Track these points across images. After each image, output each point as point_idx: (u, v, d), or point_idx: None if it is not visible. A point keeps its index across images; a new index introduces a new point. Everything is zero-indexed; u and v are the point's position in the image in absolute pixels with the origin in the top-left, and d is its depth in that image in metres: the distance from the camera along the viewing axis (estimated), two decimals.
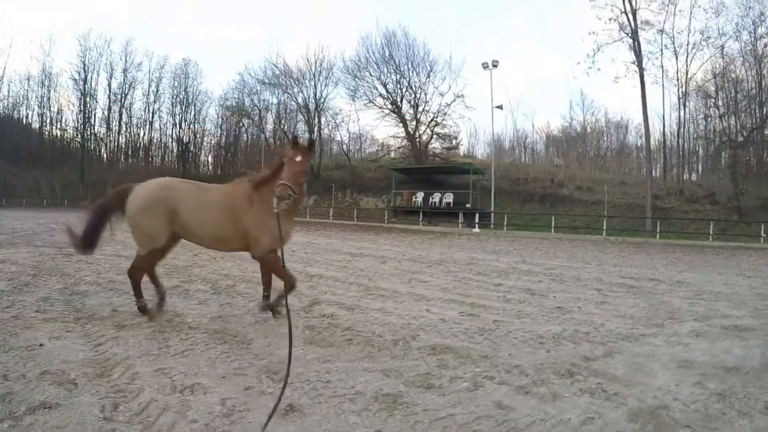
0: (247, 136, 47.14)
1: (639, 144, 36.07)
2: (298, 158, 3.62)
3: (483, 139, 49.94)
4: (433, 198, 27.09)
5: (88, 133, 47.59)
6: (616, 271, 8.54)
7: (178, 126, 49.14)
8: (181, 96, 48.73)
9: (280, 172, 3.67)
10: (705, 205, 26.32)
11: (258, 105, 42.45)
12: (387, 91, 35.91)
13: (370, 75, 36.13)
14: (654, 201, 25.62)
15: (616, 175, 34.09)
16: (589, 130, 42.29)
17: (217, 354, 3.01)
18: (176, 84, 48.65)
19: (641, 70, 27.64)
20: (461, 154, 40.47)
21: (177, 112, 49.06)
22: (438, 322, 4.12)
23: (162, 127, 49.82)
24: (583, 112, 42.94)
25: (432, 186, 28.69)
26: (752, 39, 28.52)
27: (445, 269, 7.65)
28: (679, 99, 31.89)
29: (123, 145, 49.98)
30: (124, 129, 49.13)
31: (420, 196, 27.42)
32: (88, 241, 3.95)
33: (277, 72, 39.82)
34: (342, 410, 2.33)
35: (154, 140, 50.05)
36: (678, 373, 3.11)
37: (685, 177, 33.67)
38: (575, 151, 40.68)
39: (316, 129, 39.71)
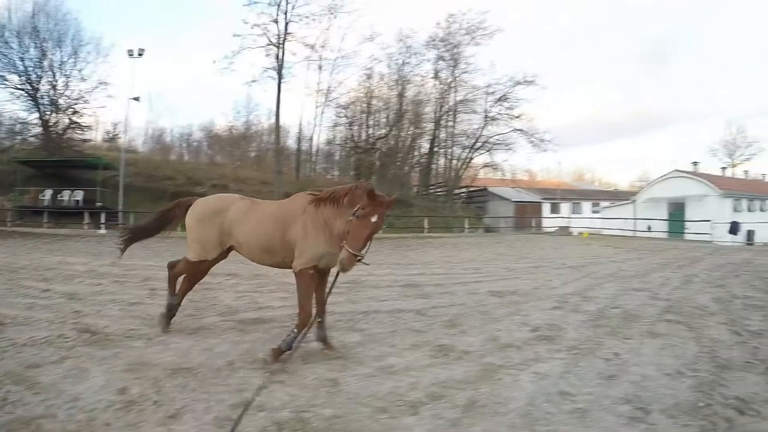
0: None
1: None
2: (374, 219, 3.25)
3: (148, 133, 46.02)
4: (62, 196, 24.19)
5: None
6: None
7: None
8: None
9: (343, 200, 3.49)
10: None
11: None
12: (25, 69, 29.15)
13: (8, 47, 28.53)
14: (284, 197, 28.59)
15: (264, 174, 35.75)
16: (251, 131, 44.18)
17: None
18: None
19: (280, 77, 29.92)
20: (120, 148, 35.14)
21: None
22: None
23: None
24: (247, 114, 44.73)
25: (64, 182, 25.42)
26: (398, 65, 34.99)
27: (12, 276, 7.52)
28: (316, 107, 36.70)
29: None
30: None
31: (48, 194, 24.02)
32: (135, 235, 4.59)
33: None
34: None
35: None
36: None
37: (320, 176, 38.83)
38: (237, 151, 42.77)
39: None
